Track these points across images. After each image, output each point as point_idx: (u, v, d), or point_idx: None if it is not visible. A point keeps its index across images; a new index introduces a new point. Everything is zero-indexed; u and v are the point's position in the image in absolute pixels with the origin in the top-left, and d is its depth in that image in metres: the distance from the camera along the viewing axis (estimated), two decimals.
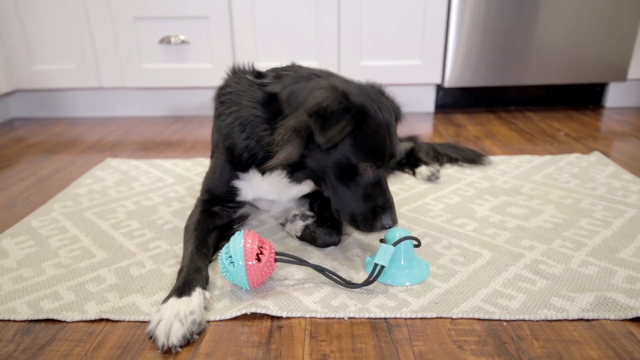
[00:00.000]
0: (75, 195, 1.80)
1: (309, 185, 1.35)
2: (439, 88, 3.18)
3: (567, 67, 2.94)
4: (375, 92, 1.27)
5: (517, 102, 3.24)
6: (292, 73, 1.30)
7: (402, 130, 2.62)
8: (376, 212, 1.17)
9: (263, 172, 1.31)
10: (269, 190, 1.39)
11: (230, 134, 1.31)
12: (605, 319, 1.02)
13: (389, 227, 1.18)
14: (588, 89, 3.19)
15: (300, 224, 1.38)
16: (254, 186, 1.38)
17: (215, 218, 1.40)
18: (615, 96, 3.14)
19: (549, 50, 2.89)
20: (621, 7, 2.80)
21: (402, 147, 1.98)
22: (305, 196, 1.51)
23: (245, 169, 1.34)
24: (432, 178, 1.86)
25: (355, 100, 1.14)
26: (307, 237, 1.36)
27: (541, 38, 2.86)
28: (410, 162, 1.98)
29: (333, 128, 1.09)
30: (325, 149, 1.14)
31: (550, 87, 3.17)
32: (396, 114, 1.31)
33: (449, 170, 1.98)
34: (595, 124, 2.73)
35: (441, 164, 2.02)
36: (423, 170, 1.88)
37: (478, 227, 1.47)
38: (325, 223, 1.35)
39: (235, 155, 1.31)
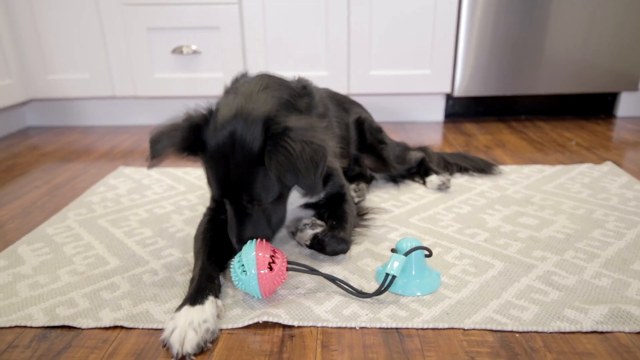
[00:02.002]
0: (89, 203, 1.82)
1: None
2: (449, 97, 3.18)
3: (578, 77, 2.93)
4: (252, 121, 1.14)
5: (528, 111, 3.23)
6: (238, 86, 1.35)
7: (412, 139, 2.64)
8: (231, 237, 1.24)
9: None
10: None
11: None
12: (620, 332, 1.02)
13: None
14: (599, 98, 3.17)
15: (309, 233, 1.38)
16: None
17: (223, 226, 1.41)
18: (627, 105, 3.13)
19: (560, 59, 2.89)
20: (632, 16, 2.80)
21: (413, 156, 1.99)
22: (313, 206, 1.51)
23: None
24: (442, 187, 1.86)
25: (199, 129, 1.18)
26: (316, 245, 1.36)
27: (551, 47, 2.86)
28: (420, 171, 1.98)
29: (154, 147, 1.18)
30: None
31: (561, 96, 3.16)
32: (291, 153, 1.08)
33: (459, 180, 1.98)
34: (607, 134, 2.71)
35: (451, 173, 2.02)
36: (433, 179, 1.88)
37: (489, 237, 1.46)
38: (333, 231, 1.36)
39: None
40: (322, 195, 1.47)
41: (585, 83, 2.95)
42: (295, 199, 1.43)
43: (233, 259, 1.16)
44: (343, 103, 1.90)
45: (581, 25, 2.82)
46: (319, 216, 1.51)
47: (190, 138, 1.17)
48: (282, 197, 1.27)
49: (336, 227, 1.37)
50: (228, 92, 1.37)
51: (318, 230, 1.38)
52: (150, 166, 1.20)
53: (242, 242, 1.20)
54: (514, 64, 2.91)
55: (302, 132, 1.13)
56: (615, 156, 2.28)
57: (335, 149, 1.40)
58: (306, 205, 1.51)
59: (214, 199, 1.47)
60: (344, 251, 1.35)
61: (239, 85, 1.35)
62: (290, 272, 1.21)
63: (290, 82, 1.42)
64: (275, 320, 1.07)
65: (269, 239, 1.25)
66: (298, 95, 1.38)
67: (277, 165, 1.08)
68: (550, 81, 2.95)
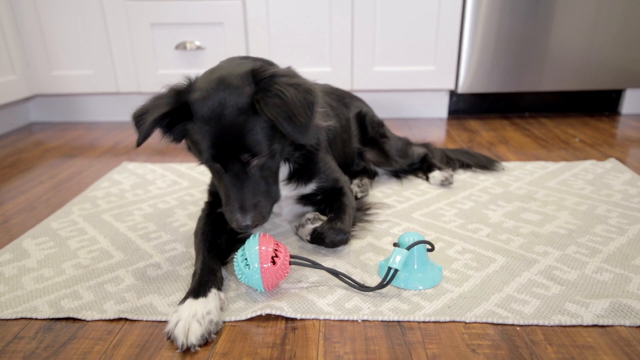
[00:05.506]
0: (93, 198, 1.83)
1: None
2: (453, 94, 3.18)
3: (583, 73, 2.92)
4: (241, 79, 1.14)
5: (532, 108, 3.22)
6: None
7: (416, 135, 2.65)
8: (231, 213, 1.17)
9: None
10: None
11: None
12: (620, 326, 1.02)
13: (239, 229, 1.18)
14: (604, 95, 3.16)
15: (309, 228, 1.39)
16: None
17: (222, 219, 1.39)
18: (631, 103, 3.11)
19: (564, 56, 2.88)
20: (637, 13, 2.79)
21: (415, 152, 2.00)
22: (310, 201, 1.52)
23: None
24: (445, 183, 1.86)
25: (184, 94, 1.16)
26: (317, 239, 1.37)
27: (556, 44, 2.85)
28: (423, 167, 1.98)
29: (139, 122, 1.15)
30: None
31: (565, 93, 3.16)
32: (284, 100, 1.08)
33: (462, 176, 1.98)
34: (611, 131, 2.71)
35: (453, 169, 2.02)
36: (436, 175, 1.88)
37: (491, 232, 1.47)
38: (331, 223, 1.36)
39: None
40: (313, 187, 1.48)
41: (590, 80, 2.94)
42: (287, 191, 1.44)
43: (236, 253, 1.17)
44: (343, 98, 1.90)
45: (586, 21, 2.81)
46: (321, 212, 1.52)
47: (175, 102, 1.14)
48: (275, 159, 1.23)
49: (334, 219, 1.38)
50: None
51: (317, 224, 1.39)
52: (138, 143, 1.16)
53: (245, 209, 1.15)
54: (518, 61, 2.90)
55: (289, 78, 1.13)
56: (618, 153, 2.27)
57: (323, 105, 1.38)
58: (305, 201, 1.52)
59: (212, 194, 1.47)
60: (344, 241, 1.35)
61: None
62: (293, 266, 1.22)
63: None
64: (278, 312, 1.08)
65: (269, 206, 1.22)
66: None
67: (271, 109, 1.07)
68: (554, 78, 2.94)
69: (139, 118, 1.17)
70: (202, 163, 1.33)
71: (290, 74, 1.17)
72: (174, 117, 1.16)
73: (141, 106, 1.18)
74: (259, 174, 1.19)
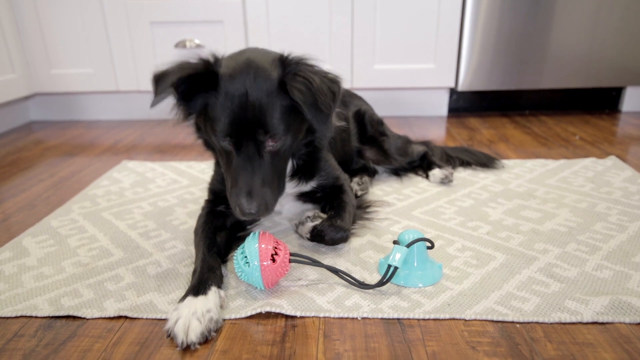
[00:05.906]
0: (93, 196, 1.83)
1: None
2: (453, 92, 3.18)
3: (583, 71, 2.92)
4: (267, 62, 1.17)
5: (532, 106, 3.22)
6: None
7: (416, 133, 2.64)
8: (236, 197, 1.16)
9: None
10: None
11: None
12: (620, 323, 1.02)
13: (243, 216, 1.17)
14: (604, 93, 3.16)
15: (309, 225, 1.39)
16: None
17: (222, 217, 1.42)
18: (632, 100, 3.11)
19: (565, 53, 2.88)
20: (638, 11, 2.78)
21: (415, 150, 1.99)
22: (310, 199, 1.52)
23: None
24: (445, 181, 1.86)
25: (212, 66, 1.16)
26: (316, 237, 1.37)
27: (556, 41, 2.85)
28: (423, 165, 1.98)
29: (162, 80, 1.11)
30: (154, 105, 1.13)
31: (566, 91, 3.15)
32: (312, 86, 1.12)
33: (462, 174, 1.98)
34: (611, 129, 2.70)
35: (453, 167, 2.02)
36: (436, 172, 1.88)
37: (491, 230, 1.47)
38: (331, 220, 1.36)
39: None
40: (314, 184, 1.48)
41: (590, 78, 2.94)
42: (288, 188, 1.43)
43: (236, 251, 1.17)
44: (343, 96, 1.89)
45: (587, 19, 2.80)
46: (322, 210, 1.52)
47: (204, 69, 1.14)
48: (287, 148, 1.23)
49: (334, 216, 1.38)
50: None
51: (317, 222, 1.39)
52: (154, 102, 1.12)
53: (252, 195, 1.14)
54: (518, 59, 2.90)
55: (314, 67, 1.18)
56: (619, 151, 2.27)
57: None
58: (305, 199, 1.52)
59: (212, 192, 1.48)
60: (344, 239, 1.35)
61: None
62: (292, 264, 1.22)
63: None
64: (277, 310, 1.08)
65: (275, 198, 1.22)
66: None
67: (298, 93, 1.11)
68: (554, 76, 2.94)
69: (160, 75, 1.14)
70: (207, 145, 1.34)
71: (314, 63, 1.20)
72: (197, 85, 1.16)
73: (164, 68, 1.16)
74: (271, 161, 1.19)
